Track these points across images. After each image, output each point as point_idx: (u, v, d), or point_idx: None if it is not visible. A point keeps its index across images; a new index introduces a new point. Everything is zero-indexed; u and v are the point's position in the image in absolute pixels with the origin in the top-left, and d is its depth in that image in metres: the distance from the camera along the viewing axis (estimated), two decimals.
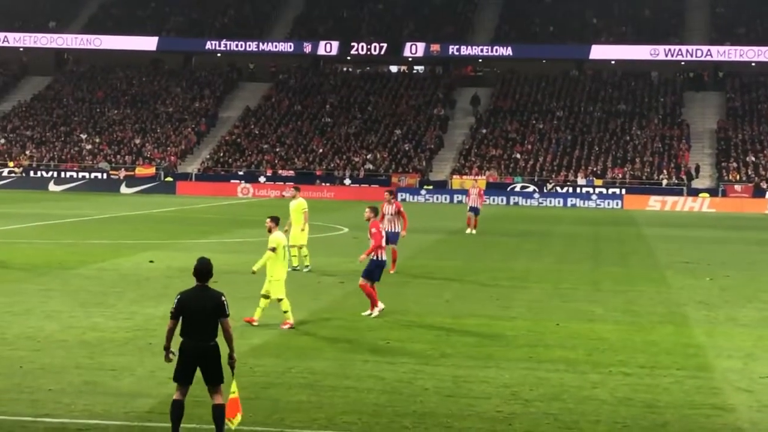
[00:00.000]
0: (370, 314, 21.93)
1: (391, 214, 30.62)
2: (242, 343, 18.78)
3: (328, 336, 19.81)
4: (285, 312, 20.48)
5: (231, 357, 12.67)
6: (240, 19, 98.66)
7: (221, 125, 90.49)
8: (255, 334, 19.63)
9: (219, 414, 12.50)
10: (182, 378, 12.55)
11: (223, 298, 12.61)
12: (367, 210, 23.51)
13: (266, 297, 20.62)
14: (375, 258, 22.31)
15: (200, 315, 12.45)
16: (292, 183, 78.77)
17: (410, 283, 28.10)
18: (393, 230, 29.96)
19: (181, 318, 12.52)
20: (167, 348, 12.61)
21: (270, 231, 20.95)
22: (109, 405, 14.15)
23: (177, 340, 12.57)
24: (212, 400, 12.60)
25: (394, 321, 21.57)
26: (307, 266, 29.99)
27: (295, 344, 18.93)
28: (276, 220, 21.13)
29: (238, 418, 12.59)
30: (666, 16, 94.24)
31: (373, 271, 22.27)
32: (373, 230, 22.58)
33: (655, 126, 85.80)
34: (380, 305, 22.18)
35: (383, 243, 22.53)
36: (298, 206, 30.84)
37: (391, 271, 29.10)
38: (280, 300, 20.50)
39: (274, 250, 20.60)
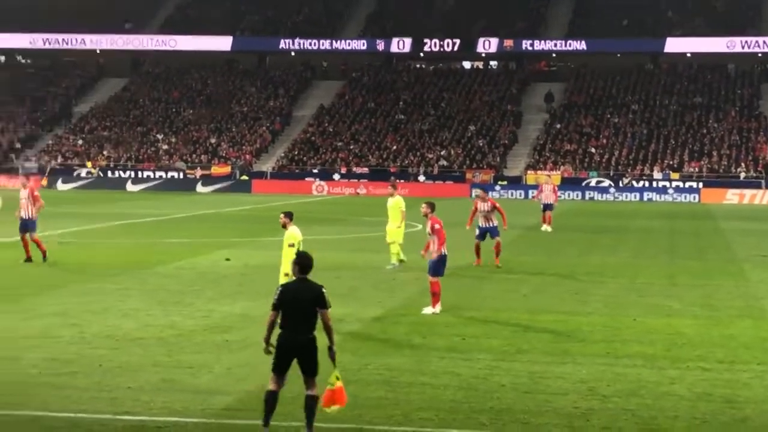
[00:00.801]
0: (432, 312, 21.80)
1: (487, 211, 31.28)
2: (318, 341, 18.84)
3: (403, 332, 19.80)
4: None
5: (331, 349, 12.75)
6: (313, 18, 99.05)
7: (295, 124, 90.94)
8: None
9: (312, 404, 12.59)
10: (279, 369, 12.64)
11: (323, 290, 12.72)
12: (424, 206, 23.26)
13: None
14: (443, 253, 22.24)
15: (300, 307, 12.59)
16: (365, 180, 79.07)
17: (487, 279, 28.03)
18: (489, 225, 31.12)
19: (281, 311, 12.65)
20: (267, 340, 12.71)
21: (284, 227, 20.77)
22: (187, 402, 14.28)
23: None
24: (306, 390, 12.69)
25: (469, 317, 21.53)
26: (394, 264, 30.02)
27: (371, 341, 18.95)
28: (290, 216, 20.86)
29: (336, 407, 12.70)
30: (742, 8, 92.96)
31: (441, 267, 22.21)
32: (437, 226, 22.41)
33: (732, 119, 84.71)
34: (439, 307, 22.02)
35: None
36: (395, 204, 31.05)
37: (498, 265, 30.15)
38: None
39: (292, 245, 20.42)
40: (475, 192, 32.37)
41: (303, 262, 12.98)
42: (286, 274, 20.28)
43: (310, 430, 12.56)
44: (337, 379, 12.80)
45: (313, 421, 12.59)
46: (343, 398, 12.78)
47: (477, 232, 31.39)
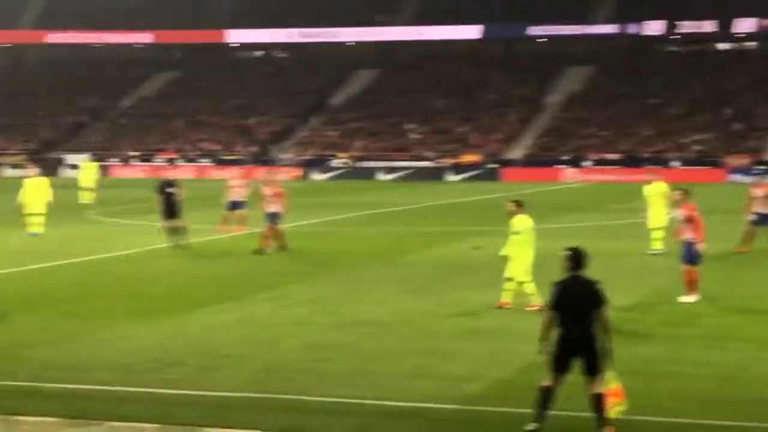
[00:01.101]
0: (690, 301, 21.30)
1: (763, 197, 30.63)
2: None
3: (656, 321, 19.46)
4: (531, 295, 20.35)
5: (606, 348, 12.30)
6: (561, 3, 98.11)
7: (544, 111, 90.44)
8: None
9: (598, 402, 12.23)
10: (558, 367, 12.33)
11: (599, 286, 12.42)
12: (677, 192, 22.30)
13: (510, 280, 20.65)
14: (696, 241, 21.63)
15: (577, 304, 12.30)
16: (616, 167, 77.88)
17: (748, 266, 27.21)
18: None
19: (557, 309, 12.39)
20: (543, 339, 12.46)
21: (513, 214, 20.77)
22: (441, 389, 14.45)
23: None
24: (589, 389, 12.33)
25: (728, 306, 20.94)
26: (657, 250, 29.65)
27: (622, 330, 18.67)
28: (519, 204, 21.00)
29: (619, 407, 12.41)
30: None
31: (696, 255, 21.63)
32: (692, 213, 21.73)
33: None
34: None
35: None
36: (658, 189, 30.90)
37: None
38: (522, 283, 20.47)
39: (517, 233, 20.52)
40: (753, 179, 31.30)
41: (576, 257, 12.66)
42: (514, 263, 20.63)
43: (601, 428, 12.20)
44: (614, 379, 12.42)
45: (604, 416, 12.22)
46: (622, 397, 12.43)
47: (754, 217, 30.42)
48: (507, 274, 20.72)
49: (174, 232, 31.50)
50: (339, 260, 28.92)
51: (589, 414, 12.31)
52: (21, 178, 40.86)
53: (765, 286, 23.64)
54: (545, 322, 12.48)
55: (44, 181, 36.74)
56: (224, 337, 18.09)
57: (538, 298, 19.97)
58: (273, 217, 30.47)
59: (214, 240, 34.22)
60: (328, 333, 18.42)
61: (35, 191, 35.71)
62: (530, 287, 20.38)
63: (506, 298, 20.69)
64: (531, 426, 12.23)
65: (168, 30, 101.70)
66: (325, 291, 23.08)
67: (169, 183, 32.64)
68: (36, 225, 35.14)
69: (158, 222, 32.77)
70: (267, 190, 30.97)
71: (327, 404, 13.66)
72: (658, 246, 29.65)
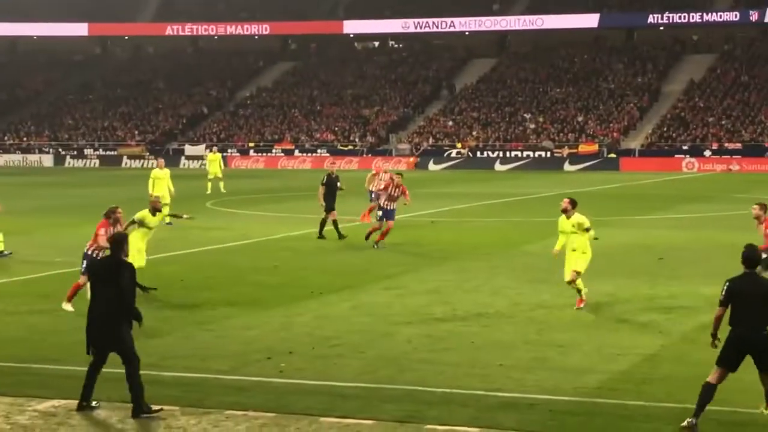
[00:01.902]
0: None
1: None
2: (691, 321, 18.45)
3: None
4: (580, 290, 19.77)
5: None
6: None
7: (664, 99, 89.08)
8: (704, 312, 19.16)
9: None
10: (727, 364, 12.26)
11: None
12: (756, 207, 20.72)
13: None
14: None
15: (751, 303, 12.18)
16: (738, 156, 76.40)
17: None
18: None
19: (730, 306, 12.34)
20: (714, 334, 12.46)
21: (565, 212, 20.18)
22: (558, 380, 14.31)
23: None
24: (765, 386, 12.37)
25: None
26: None
27: None
28: (574, 203, 20.16)
29: None
30: None
31: None
32: None
33: None
34: None
35: None
36: None
37: None
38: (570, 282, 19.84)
39: (588, 230, 19.95)
40: None
41: (750, 255, 12.52)
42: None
43: None
44: None
45: None
46: None
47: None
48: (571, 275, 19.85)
49: (332, 223, 31.34)
50: (455, 250, 28.84)
51: (745, 409, 12.14)
52: (141, 168, 41.56)
53: None
54: (716, 318, 12.48)
55: (168, 172, 37.68)
56: (339, 326, 18.14)
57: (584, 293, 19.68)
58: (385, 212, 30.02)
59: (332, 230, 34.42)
60: (445, 323, 18.37)
61: (164, 181, 36.60)
62: (580, 284, 19.71)
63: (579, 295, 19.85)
64: (688, 421, 12.07)
65: (284, 21, 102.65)
66: (441, 281, 23.01)
67: (335, 176, 32.81)
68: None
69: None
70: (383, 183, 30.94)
71: (442, 394, 13.61)
72: None
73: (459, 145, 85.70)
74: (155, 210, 22.24)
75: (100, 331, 12.71)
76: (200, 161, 55.46)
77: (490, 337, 17.18)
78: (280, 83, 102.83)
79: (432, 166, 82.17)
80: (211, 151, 57.71)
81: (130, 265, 13.09)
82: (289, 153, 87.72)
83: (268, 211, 41.81)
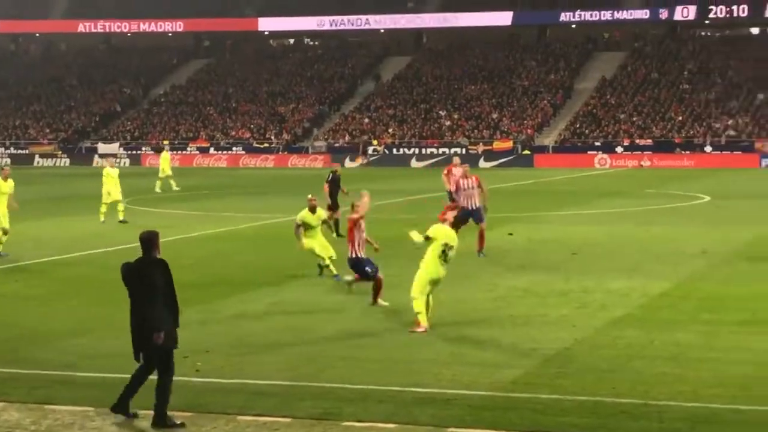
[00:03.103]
0: None
1: None
2: (604, 315, 18.74)
3: (692, 307, 19.39)
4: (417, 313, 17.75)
5: None
6: None
7: (577, 96, 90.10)
8: (617, 307, 19.48)
9: None
10: None
11: None
12: None
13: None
14: None
15: None
16: (649, 152, 77.48)
17: None
18: None
19: None
20: None
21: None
22: (474, 375, 14.43)
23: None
24: None
25: (761, 291, 20.78)
26: None
27: (657, 316, 18.65)
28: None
29: None
30: None
31: None
32: None
33: None
34: None
35: None
36: None
37: None
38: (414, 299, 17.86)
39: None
40: None
41: None
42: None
43: None
44: None
45: None
46: None
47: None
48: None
49: (335, 222, 30.97)
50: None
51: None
52: (53, 167, 41.10)
53: None
54: None
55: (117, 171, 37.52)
56: (258, 324, 18.15)
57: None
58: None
59: (259, 225, 34.32)
60: (364, 320, 18.44)
61: (115, 180, 36.45)
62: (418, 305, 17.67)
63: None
64: None
65: (199, 18, 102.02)
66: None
67: (339, 174, 32.82)
68: (122, 212, 36.17)
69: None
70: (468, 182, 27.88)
71: (361, 391, 13.67)
72: None
73: (375, 142, 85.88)
74: None
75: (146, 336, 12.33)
76: (115, 159, 55.14)
77: (407, 335, 17.25)
78: (195, 81, 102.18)
79: (348, 163, 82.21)
80: (162, 149, 57.82)
81: (164, 263, 12.65)
82: (204, 151, 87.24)
83: (184, 210, 41.57)
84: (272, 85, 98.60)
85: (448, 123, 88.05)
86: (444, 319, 18.30)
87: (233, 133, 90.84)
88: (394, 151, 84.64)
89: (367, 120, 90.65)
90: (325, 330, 17.57)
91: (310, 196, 23.89)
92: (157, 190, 51.53)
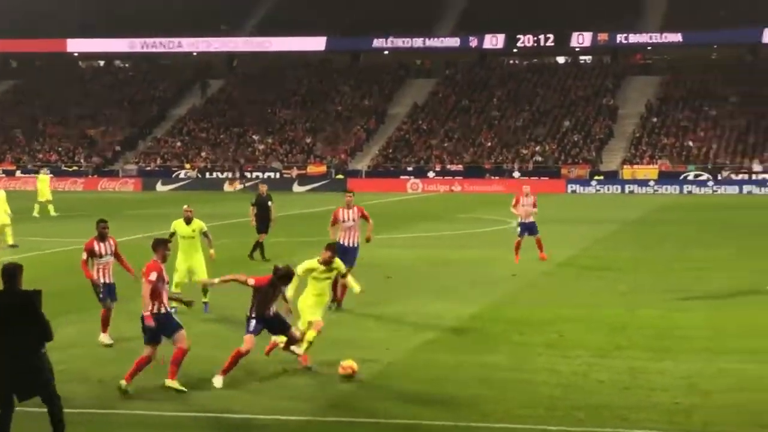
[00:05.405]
0: None
1: None
2: (417, 338, 18.95)
3: (501, 330, 19.77)
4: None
5: None
6: (406, 17, 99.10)
7: (390, 122, 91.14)
8: (430, 329, 19.72)
9: None
10: None
11: None
12: None
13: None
14: None
15: None
16: (460, 177, 78.91)
17: (584, 276, 27.83)
18: None
19: None
20: None
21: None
22: (290, 399, 14.37)
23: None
24: None
25: (567, 314, 21.37)
26: None
27: (469, 339, 18.96)
28: (333, 248, 17.73)
29: None
30: None
31: None
32: None
33: None
34: None
35: None
36: None
37: None
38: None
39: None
40: None
41: None
42: None
43: None
44: None
45: None
46: None
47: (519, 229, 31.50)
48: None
49: (259, 246, 30.89)
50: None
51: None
52: None
53: (598, 296, 24.11)
54: None
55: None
56: (64, 352, 17.69)
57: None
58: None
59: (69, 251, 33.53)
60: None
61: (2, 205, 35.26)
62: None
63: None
64: None
65: (6, 39, 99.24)
66: None
67: (268, 197, 31.96)
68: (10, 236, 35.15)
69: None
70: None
71: (174, 419, 13.45)
72: None
73: (187, 165, 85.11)
74: None
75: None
76: None
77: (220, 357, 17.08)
78: (1, 102, 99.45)
79: (160, 187, 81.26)
80: (41, 172, 55.73)
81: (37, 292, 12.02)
82: (10, 174, 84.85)
83: None
84: (82, 107, 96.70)
85: (261, 147, 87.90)
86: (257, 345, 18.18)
87: (41, 155, 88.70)
88: (207, 175, 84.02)
89: (179, 144, 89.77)
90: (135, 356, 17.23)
91: (185, 207, 23.47)
92: (35, 214, 49.56)
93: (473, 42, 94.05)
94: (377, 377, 15.85)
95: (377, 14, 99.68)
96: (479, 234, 41.18)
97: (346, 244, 22.92)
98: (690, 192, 74.69)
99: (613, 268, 29.26)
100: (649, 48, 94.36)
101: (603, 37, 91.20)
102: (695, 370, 16.17)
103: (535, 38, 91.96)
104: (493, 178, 79.14)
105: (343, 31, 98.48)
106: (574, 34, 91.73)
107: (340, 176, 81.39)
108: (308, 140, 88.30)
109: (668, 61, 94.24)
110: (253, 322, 15.61)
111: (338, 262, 17.54)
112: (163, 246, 15.58)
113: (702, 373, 15.97)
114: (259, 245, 31.22)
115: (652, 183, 76.05)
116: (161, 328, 14.98)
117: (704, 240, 38.18)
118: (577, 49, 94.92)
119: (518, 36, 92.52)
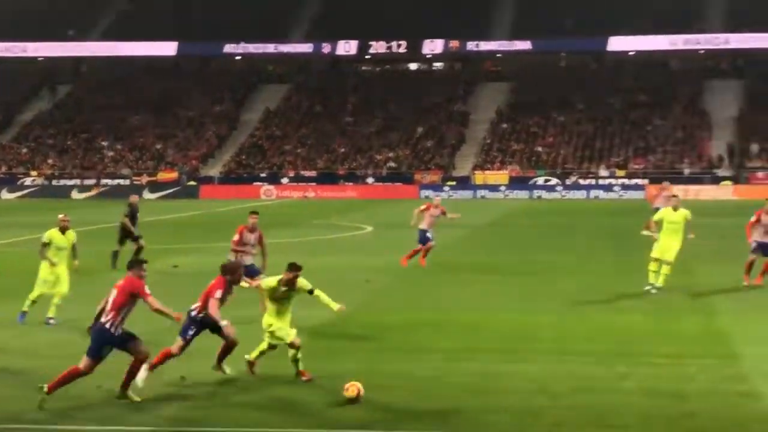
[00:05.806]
0: None
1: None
2: (282, 348, 18.81)
3: (354, 336, 19.79)
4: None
5: None
6: (258, 22, 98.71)
7: (242, 128, 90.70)
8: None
9: None
10: None
11: None
12: None
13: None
14: None
15: None
16: (313, 183, 78.87)
17: (437, 280, 28.07)
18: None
19: None
20: None
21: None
22: (137, 409, 14.15)
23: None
24: None
25: (420, 319, 21.53)
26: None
27: (321, 345, 18.92)
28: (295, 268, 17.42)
29: None
30: (684, 5, 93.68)
31: None
32: None
33: (676, 115, 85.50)
34: None
35: None
36: (681, 216, 26.10)
37: None
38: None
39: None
40: None
41: None
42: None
43: None
44: None
45: None
46: None
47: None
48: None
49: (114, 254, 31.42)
50: (26, 281, 27.89)
51: None
52: None
53: (451, 300, 24.37)
54: None
55: None
56: None
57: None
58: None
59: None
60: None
61: None
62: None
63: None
64: None
65: None
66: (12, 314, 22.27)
67: (136, 206, 32.59)
68: None
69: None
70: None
71: None
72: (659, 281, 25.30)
73: (34, 173, 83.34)
74: None
75: None
76: None
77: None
78: None
79: (6, 195, 79.42)
80: None
81: None
82: None
83: None
84: None
85: (111, 153, 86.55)
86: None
87: None
88: (54, 182, 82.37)
89: (25, 150, 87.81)
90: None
91: (62, 216, 22.87)
92: None
93: (326, 48, 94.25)
94: (224, 387, 15.69)
95: (230, 20, 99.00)
96: (333, 240, 41.24)
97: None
98: (540, 197, 76.14)
99: (465, 272, 29.59)
100: (499, 55, 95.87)
101: (455, 44, 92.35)
102: (544, 372, 16.45)
103: (388, 45, 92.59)
104: (347, 184, 79.38)
105: (194, 36, 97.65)
106: (426, 42, 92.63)
107: (192, 183, 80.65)
108: (159, 146, 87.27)
109: (518, 68, 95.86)
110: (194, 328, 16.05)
111: (302, 282, 17.06)
112: (138, 266, 15.75)
113: (551, 375, 16.25)
114: (114, 253, 31.22)
115: (503, 188, 77.31)
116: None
117: (551, 244, 38.90)
118: (429, 56, 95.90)
119: (371, 42, 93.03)
